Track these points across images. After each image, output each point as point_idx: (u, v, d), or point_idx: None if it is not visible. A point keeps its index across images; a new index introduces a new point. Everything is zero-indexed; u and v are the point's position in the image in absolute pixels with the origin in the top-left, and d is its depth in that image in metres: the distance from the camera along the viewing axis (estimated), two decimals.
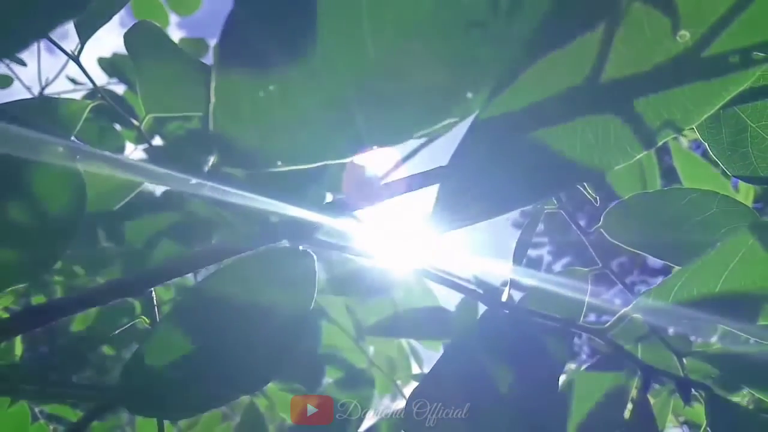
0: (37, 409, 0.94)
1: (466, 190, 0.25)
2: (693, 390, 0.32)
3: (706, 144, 0.33)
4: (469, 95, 0.20)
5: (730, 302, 0.25)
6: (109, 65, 0.83)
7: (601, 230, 0.41)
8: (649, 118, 0.24)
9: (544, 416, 0.30)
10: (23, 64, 0.85)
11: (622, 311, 0.26)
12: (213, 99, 0.22)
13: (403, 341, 0.80)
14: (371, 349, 0.74)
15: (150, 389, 0.30)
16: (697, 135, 0.88)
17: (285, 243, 0.27)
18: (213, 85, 0.22)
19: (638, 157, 0.25)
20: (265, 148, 0.23)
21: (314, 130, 0.22)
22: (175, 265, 0.30)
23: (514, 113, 0.23)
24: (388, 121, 0.21)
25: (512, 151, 0.24)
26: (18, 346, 0.99)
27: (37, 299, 0.99)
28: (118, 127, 0.79)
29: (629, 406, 0.30)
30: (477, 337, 0.27)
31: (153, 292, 0.29)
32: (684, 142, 0.80)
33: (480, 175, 0.25)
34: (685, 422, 0.88)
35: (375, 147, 0.22)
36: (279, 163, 0.24)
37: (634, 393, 0.34)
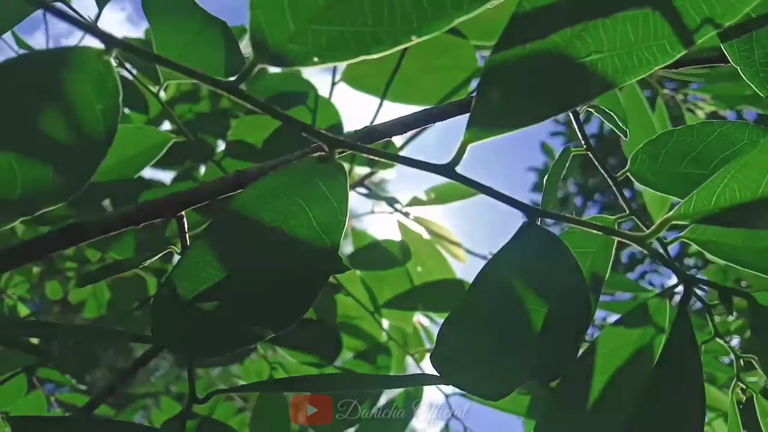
0: (52, 398, 0.94)
1: (504, 93, 0.25)
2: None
3: (739, 68, 0.32)
4: None
5: None
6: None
7: (628, 174, 0.40)
8: (688, 14, 0.24)
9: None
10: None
11: (664, 217, 0.25)
12: None
13: (415, 320, 0.79)
14: (386, 324, 0.73)
15: (178, 319, 0.30)
16: (714, 108, 0.87)
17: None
18: None
19: (678, 56, 0.25)
20: (301, 43, 0.23)
21: (350, 21, 0.22)
22: (208, 189, 0.29)
23: (553, 5, 0.23)
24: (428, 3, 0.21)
25: (550, 48, 0.24)
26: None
27: (52, 286, 0.99)
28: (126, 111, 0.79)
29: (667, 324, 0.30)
30: (516, 250, 0.26)
31: (184, 217, 0.29)
32: (701, 114, 0.80)
33: (518, 76, 0.25)
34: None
35: (414, 38, 0.22)
36: (315, 59, 0.23)
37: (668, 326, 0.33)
